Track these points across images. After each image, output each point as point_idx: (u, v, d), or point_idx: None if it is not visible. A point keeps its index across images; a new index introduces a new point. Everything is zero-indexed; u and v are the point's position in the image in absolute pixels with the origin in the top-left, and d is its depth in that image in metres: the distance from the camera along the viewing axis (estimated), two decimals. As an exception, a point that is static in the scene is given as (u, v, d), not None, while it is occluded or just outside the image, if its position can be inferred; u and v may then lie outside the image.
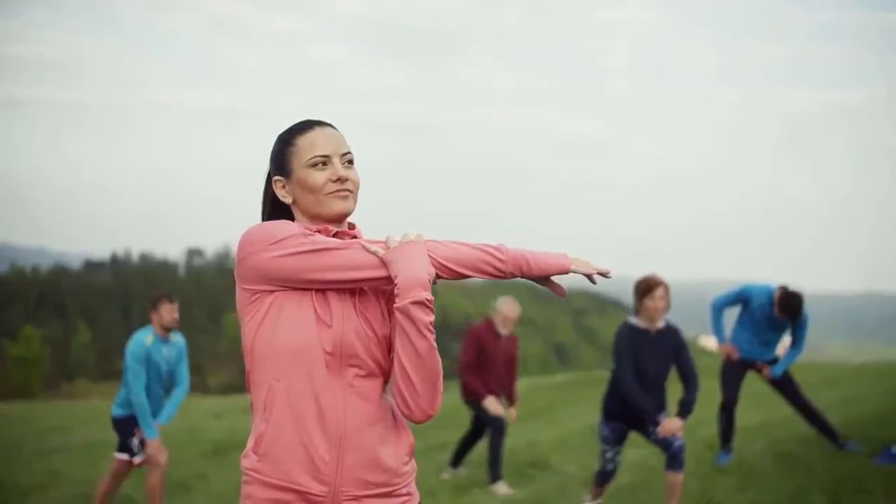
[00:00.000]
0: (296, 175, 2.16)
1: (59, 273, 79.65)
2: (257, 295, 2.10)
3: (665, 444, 5.28)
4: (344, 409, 2.08)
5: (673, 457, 5.28)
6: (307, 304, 2.08)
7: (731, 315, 7.14)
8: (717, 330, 7.11)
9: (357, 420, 2.09)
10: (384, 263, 2.07)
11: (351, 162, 2.19)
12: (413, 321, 2.03)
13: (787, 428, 8.04)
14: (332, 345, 2.07)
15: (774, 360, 7.02)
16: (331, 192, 2.14)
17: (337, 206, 2.15)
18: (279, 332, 2.07)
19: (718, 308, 7.05)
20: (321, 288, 2.08)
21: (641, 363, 5.34)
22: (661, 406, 5.41)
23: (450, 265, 2.10)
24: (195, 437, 11.75)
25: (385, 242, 2.10)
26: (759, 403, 9.32)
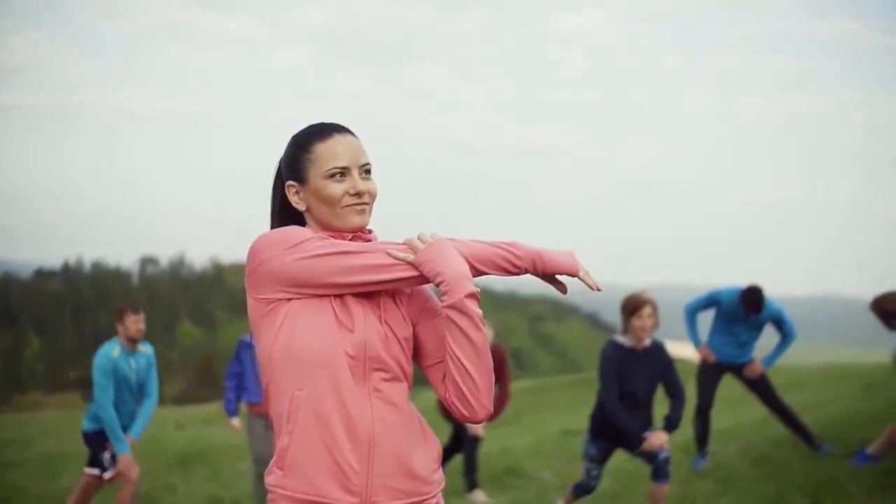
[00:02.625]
0: (312, 184, 2.10)
1: (9, 282, 78.08)
2: (273, 304, 2.02)
3: (650, 457, 5.24)
4: (371, 414, 2.01)
5: (659, 468, 5.23)
6: (326, 309, 2.01)
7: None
8: (693, 334, 7.11)
9: (385, 425, 2.02)
10: (412, 265, 2.02)
11: (368, 172, 2.13)
12: (469, 315, 1.98)
13: (761, 431, 8.07)
14: (356, 349, 2.01)
15: (751, 363, 7.02)
16: (348, 206, 2.09)
17: (354, 219, 2.10)
18: (298, 340, 1.99)
19: (691, 312, 7.05)
20: (346, 292, 2.02)
21: (629, 383, 5.25)
22: (647, 424, 5.34)
23: (471, 262, 2.06)
24: (158, 448, 11.53)
25: (406, 244, 2.05)
26: (730, 406, 9.37)
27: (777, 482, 6.21)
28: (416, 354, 2.15)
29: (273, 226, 2.21)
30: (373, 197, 2.12)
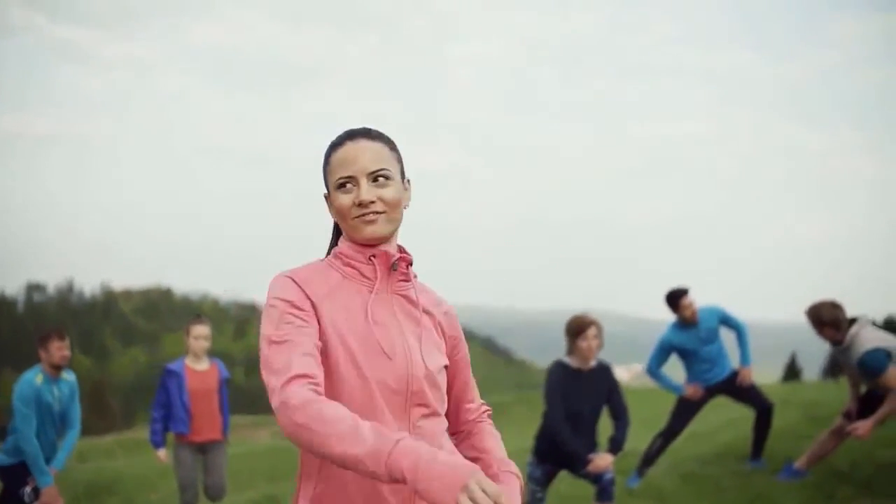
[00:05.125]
0: (331, 195, 2.00)
1: None
2: None
3: (595, 478, 5.26)
4: None
5: (603, 489, 5.25)
6: (361, 338, 1.90)
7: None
8: (670, 384, 7.18)
9: None
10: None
11: (386, 178, 1.96)
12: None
13: (686, 449, 8.22)
14: (398, 382, 1.89)
15: (734, 374, 7.11)
16: (356, 217, 1.94)
17: (364, 231, 1.95)
18: (330, 377, 1.87)
19: (655, 371, 7.16)
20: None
21: (576, 403, 5.27)
22: (592, 445, 5.37)
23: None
24: (62, 481, 10.96)
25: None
26: (655, 426, 9.49)
27: (710, 499, 6.32)
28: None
29: (331, 239, 2.13)
30: (388, 204, 1.95)
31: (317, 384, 1.77)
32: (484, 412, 2.22)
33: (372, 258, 1.98)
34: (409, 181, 2.08)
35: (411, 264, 2.04)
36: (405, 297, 2.01)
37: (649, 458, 7.14)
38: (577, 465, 5.27)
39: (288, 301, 1.88)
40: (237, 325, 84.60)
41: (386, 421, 1.86)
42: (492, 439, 2.17)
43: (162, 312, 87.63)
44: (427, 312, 2.04)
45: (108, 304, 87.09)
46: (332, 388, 1.86)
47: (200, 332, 6.63)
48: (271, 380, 1.78)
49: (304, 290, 1.91)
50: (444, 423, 2.00)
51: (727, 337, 7.21)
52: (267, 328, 1.86)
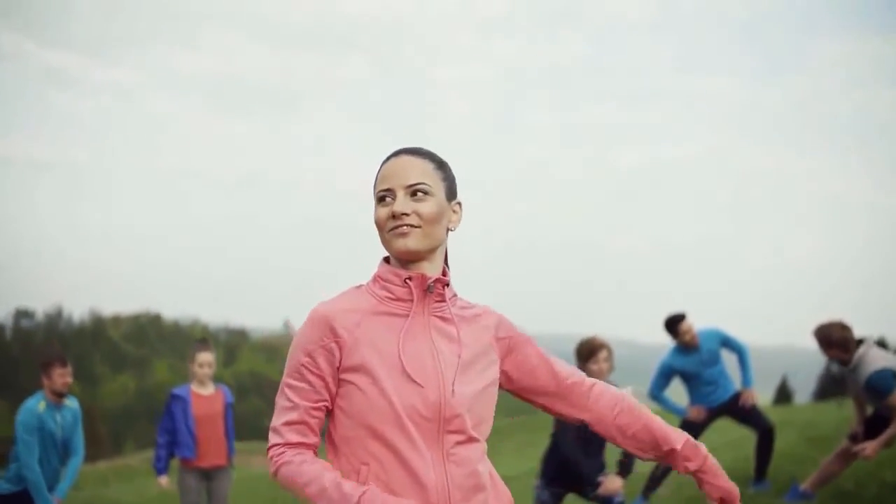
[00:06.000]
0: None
1: None
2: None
3: (605, 501, 5.24)
4: (446, 483, 1.87)
5: None
6: (394, 365, 1.87)
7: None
8: (672, 407, 7.22)
9: (463, 493, 1.88)
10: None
11: (425, 193, 1.93)
12: None
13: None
14: (429, 409, 1.87)
15: (737, 395, 7.13)
16: (391, 230, 1.93)
17: (396, 244, 1.93)
18: (360, 408, 1.86)
19: (658, 395, 7.19)
20: None
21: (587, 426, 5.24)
22: (601, 467, 5.35)
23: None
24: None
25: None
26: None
27: (717, 521, 6.28)
28: (520, 390, 2.08)
29: None
30: (424, 218, 1.92)
31: (305, 447, 1.91)
32: (589, 381, 2.15)
33: (407, 280, 1.95)
34: (459, 204, 2.05)
35: (447, 285, 2.01)
36: (442, 318, 1.98)
37: (655, 481, 7.13)
38: (587, 487, 5.25)
39: (307, 351, 1.91)
40: (227, 350, 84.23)
41: (418, 449, 1.85)
42: (654, 417, 2.11)
43: (151, 338, 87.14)
44: (466, 328, 2.00)
45: (97, 330, 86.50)
46: (363, 419, 1.85)
47: (205, 360, 6.59)
48: (271, 433, 1.92)
49: (332, 330, 1.90)
50: (482, 448, 1.97)
51: (727, 359, 7.23)
52: (286, 372, 1.94)
